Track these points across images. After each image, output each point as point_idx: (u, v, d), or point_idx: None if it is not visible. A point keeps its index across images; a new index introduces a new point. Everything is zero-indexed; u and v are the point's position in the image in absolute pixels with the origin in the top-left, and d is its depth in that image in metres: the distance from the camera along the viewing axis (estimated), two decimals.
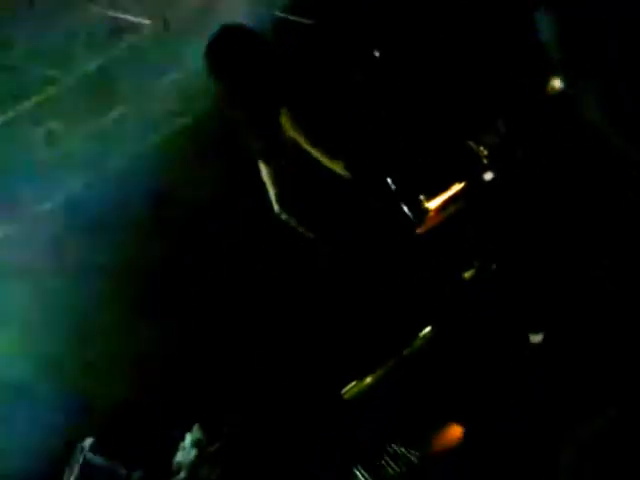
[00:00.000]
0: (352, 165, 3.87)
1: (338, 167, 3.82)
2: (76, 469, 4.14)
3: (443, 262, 4.20)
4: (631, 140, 3.59)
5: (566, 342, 3.67)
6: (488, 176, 4.20)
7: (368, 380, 4.19)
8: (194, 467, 4.12)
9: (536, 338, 3.90)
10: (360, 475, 3.81)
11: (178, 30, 5.38)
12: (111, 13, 5.30)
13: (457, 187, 4.24)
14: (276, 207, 4.01)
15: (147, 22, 5.34)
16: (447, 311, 4.19)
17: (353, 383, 4.20)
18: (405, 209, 4.19)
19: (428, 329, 4.17)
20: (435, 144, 4.33)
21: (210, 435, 4.18)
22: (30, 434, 4.45)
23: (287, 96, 3.83)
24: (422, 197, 4.24)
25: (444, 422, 3.82)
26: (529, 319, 3.95)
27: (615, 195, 3.78)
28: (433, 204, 4.24)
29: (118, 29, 5.36)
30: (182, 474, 4.12)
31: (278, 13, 5.22)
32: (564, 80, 3.78)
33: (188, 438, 4.16)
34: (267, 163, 4.01)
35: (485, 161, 4.21)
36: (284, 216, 3.98)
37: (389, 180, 4.14)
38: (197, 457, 4.11)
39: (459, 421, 3.78)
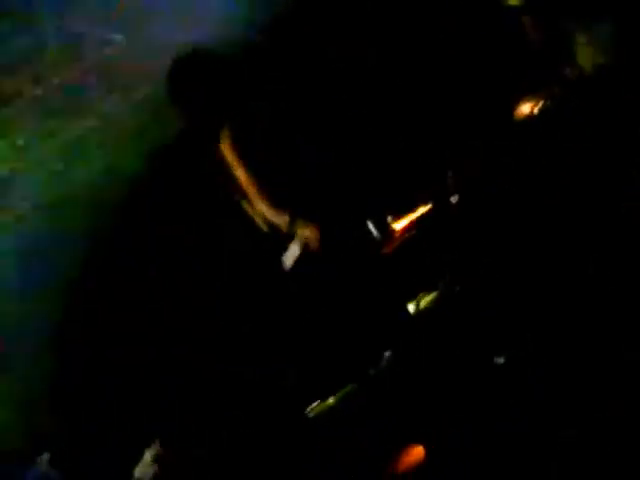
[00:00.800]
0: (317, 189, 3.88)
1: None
2: None
3: (407, 283, 4.22)
4: None
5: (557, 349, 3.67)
6: (454, 199, 4.24)
7: (331, 401, 4.17)
8: None
9: (499, 360, 3.92)
10: None
11: (148, 46, 5.39)
12: (81, 28, 5.30)
13: (424, 209, 4.28)
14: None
15: (118, 37, 5.34)
16: (409, 332, 4.20)
17: (317, 402, 4.18)
18: (372, 229, 4.21)
19: (391, 350, 4.17)
20: (403, 165, 4.36)
21: (170, 451, 4.14)
22: None
23: (235, 119, 3.79)
24: (389, 218, 4.27)
25: (406, 443, 3.82)
26: (492, 340, 3.97)
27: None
28: (400, 225, 4.26)
29: (88, 44, 5.35)
30: None
31: (253, 36, 5.25)
32: None
33: (147, 454, 4.11)
34: None
35: (452, 183, 4.25)
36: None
37: (357, 201, 4.16)
38: (156, 473, 4.07)
39: (421, 442, 3.78)
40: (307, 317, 4.18)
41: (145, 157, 4.80)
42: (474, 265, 4.17)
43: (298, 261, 3.98)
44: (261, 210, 3.86)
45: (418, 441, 3.78)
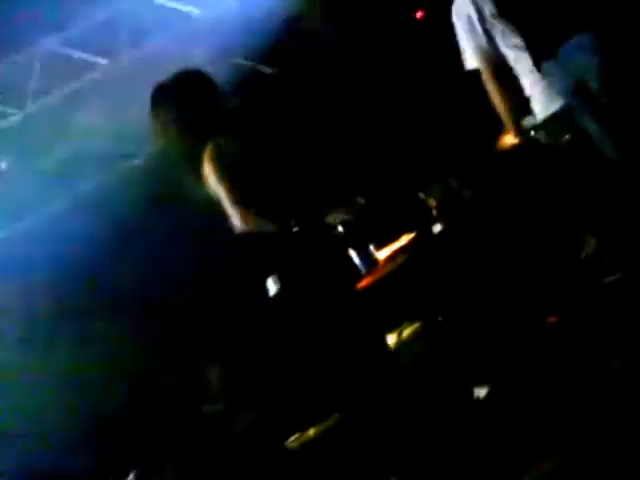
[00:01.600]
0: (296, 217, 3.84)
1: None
2: None
3: (390, 312, 4.19)
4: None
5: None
6: (437, 227, 4.23)
7: (311, 432, 4.13)
8: None
9: (481, 392, 3.89)
10: None
11: (133, 71, 5.37)
12: (67, 51, 5.28)
13: (406, 238, 4.26)
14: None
15: (103, 61, 5.33)
16: (392, 363, 4.16)
17: (296, 435, 4.14)
18: (355, 258, 4.19)
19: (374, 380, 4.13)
20: (386, 194, 4.35)
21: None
22: None
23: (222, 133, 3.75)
24: (372, 247, 4.25)
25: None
26: (474, 371, 3.95)
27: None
28: (382, 254, 4.24)
29: (73, 67, 5.33)
30: None
31: (243, 61, 5.25)
32: None
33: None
34: None
35: (435, 213, 4.24)
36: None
37: (340, 228, 4.13)
38: None
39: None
40: (287, 345, 4.14)
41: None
42: (458, 295, 4.16)
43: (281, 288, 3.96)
44: (247, 221, 3.80)
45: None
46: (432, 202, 4.22)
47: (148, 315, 4.84)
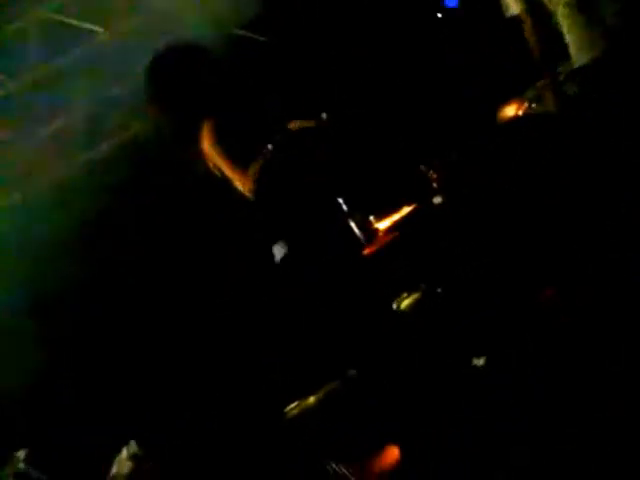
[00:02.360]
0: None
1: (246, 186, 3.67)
2: None
3: (390, 284, 4.21)
4: None
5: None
6: (437, 199, 4.24)
7: (311, 400, 4.16)
8: None
9: (479, 362, 3.92)
10: None
11: (130, 42, 5.34)
12: (64, 19, 5.24)
13: (407, 209, 4.28)
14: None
15: (100, 30, 5.29)
16: (390, 332, 4.19)
17: (296, 403, 4.17)
18: (355, 229, 4.20)
19: (373, 349, 4.16)
20: (387, 166, 4.36)
21: (147, 449, 4.10)
22: None
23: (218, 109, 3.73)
24: (372, 218, 4.26)
25: (383, 444, 3.81)
26: (473, 342, 3.98)
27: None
28: (383, 225, 4.26)
29: (70, 36, 5.29)
30: None
31: (235, 31, 5.22)
32: None
33: (124, 451, 4.07)
34: None
35: (435, 185, 4.25)
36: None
37: (340, 200, 4.14)
38: (132, 471, 4.02)
39: (397, 443, 3.77)
40: (290, 314, 4.16)
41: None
42: (457, 266, 4.18)
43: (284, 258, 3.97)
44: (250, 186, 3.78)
45: (397, 441, 3.76)
46: (433, 174, 4.23)
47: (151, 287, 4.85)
